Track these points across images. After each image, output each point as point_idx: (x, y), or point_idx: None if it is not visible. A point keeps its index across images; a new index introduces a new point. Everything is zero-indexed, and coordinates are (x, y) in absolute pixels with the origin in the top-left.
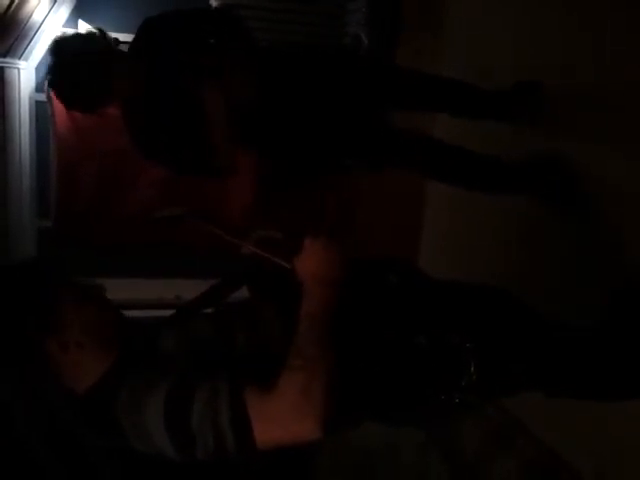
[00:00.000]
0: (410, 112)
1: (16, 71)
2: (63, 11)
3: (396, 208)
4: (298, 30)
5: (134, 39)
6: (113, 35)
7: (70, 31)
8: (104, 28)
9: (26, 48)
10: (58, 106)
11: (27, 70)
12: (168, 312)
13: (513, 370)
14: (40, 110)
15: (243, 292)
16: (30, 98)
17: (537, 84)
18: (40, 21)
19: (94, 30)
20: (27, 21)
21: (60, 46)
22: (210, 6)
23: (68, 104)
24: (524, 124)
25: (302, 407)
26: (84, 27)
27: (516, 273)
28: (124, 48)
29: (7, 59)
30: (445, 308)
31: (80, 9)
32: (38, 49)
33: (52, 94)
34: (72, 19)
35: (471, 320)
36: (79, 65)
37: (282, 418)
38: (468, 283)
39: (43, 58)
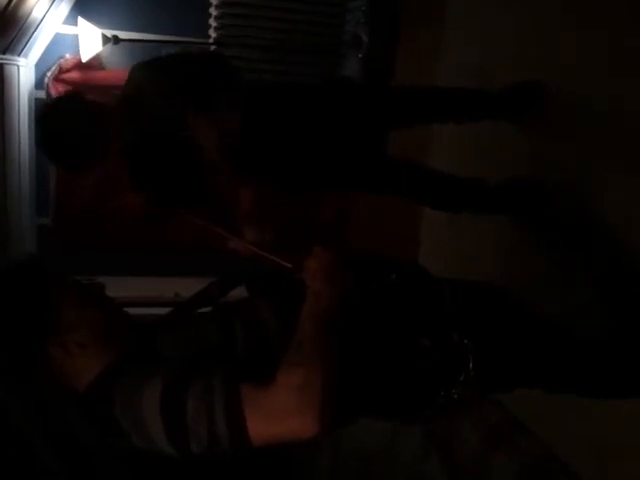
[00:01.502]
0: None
1: (15, 68)
2: (63, 8)
3: (395, 214)
4: (298, 29)
5: (124, 87)
6: (112, 32)
7: (52, 100)
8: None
9: (26, 45)
10: None
11: (26, 67)
12: (168, 310)
13: (511, 366)
14: (39, 107)
15: (242, 291)
16: (29, 95)
17: (537, 84)
18: (40, 18)
19: (73, 98)
20: (27, 18)
21: (45, 117)
22: (193, 51)
23: (63, 169)
24: (524, 124)
25: (298, 402)
26: (84, 25)
27: (515, 276)
28: (123, 46)
29: (6, 56)
30: (444, 305)
31: (80, 6)
32: (38, 46)
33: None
34: (72, 16)
35: (470, 317)
36: (64, 135)
37: (277, 413)
38: (467, 281)
39: (43, 55)
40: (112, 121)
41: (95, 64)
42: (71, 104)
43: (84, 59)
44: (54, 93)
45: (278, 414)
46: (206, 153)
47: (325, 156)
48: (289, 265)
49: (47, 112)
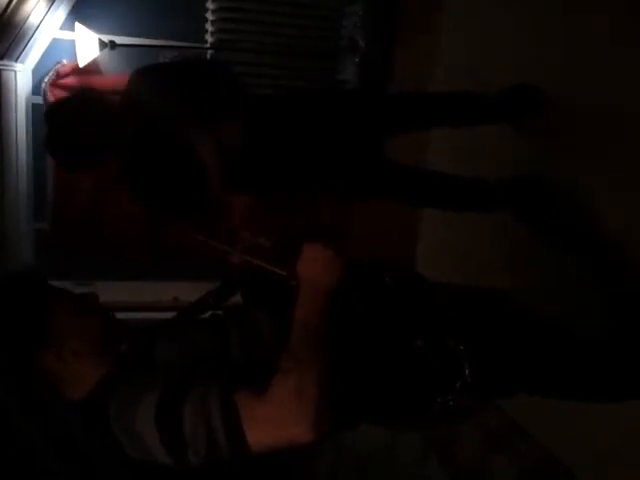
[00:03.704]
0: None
1: (13, 74)
2: (60, 14)
3: (393, 213)
4: (295, 34)
5: (124, 93)
6: (109, 38)
7: (63, 98)
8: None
9: (23, 51)
10: None
11: (24, 73)
12: (166, 314)
13: (511, 372)
14: (37, 112)
15: (238, 297)
16: (27, 101)
17: (536, 89)
18: (37, 24)
19: (86, 94)
20: (24, 24)
21: (54, 113)
22: (198, 57)
23: (65, 167)
24: (523, 127)
25: (294, 409)
26: (81, 30)
27: (515, 276)
28: (120, 51)
29: (4, 62)
30: (440, 311)
31: (77, 12)
32: (35, 52)
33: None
34: (69, 21)
35: (468, 323)
36: (69, 133)
37: (274, 420)
38: (465, 286)
39: (40, 61)
40: (116, 124)
41: (92, 69)
42: (78, 104)
43: (81, 64)
44: (51, 98)
45: (274, 422)
46: (207, 167)
47: (324, 164)
48: (283, 273)
49: (54, 110)
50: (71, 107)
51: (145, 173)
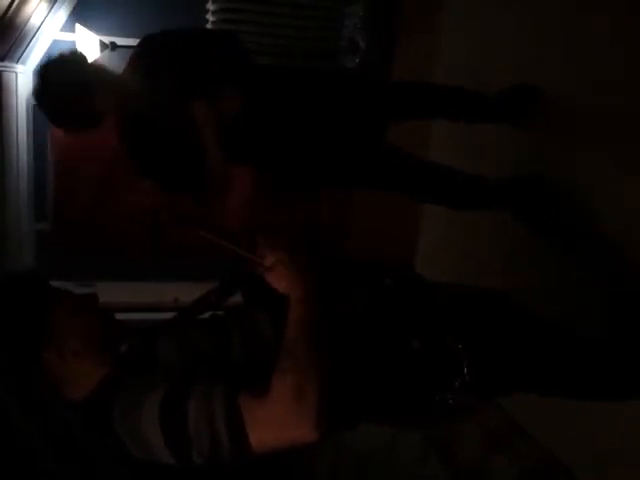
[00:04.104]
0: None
1: (14, 75)
2: (61, 15)
3: (394, 210)
4: (294, 34)
5: (132, 55)
6: (109, 39)
7: (56, 54)
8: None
9: (24, 52)
10: None
11: (25, 74)
12: (167, 315)
13: (510, 371)
14: (38, 114)
15: (239, 296)
16: (28, 102)
17: (534, 88)
18: (38, 25)
19: (78, 53)
20: (25, 25)
21: (46, 69)
22: (210, 28)
23: (55, 124)
24: (523, 127)
25: (295, 410)
26: (81, 32)
27: (515, 276)
28: (121, 52)
29: (5, 63)
30: (440, 311)
31: (77, 13)
32: (36, 53)
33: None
34: (69, 23)
35: (467, 322)
36: (64, 88)
37: (276, 421)
38: (464, 286)
39: (41, 62)
40: (114, 89)
41: None
42: (76, 63)
43: None
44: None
45: (275, 423)
46: (203, 137)
47: (324, 147)
48: (266, 263)
49: (51, 66)
50: (69, 65)
51: (144, 143)
